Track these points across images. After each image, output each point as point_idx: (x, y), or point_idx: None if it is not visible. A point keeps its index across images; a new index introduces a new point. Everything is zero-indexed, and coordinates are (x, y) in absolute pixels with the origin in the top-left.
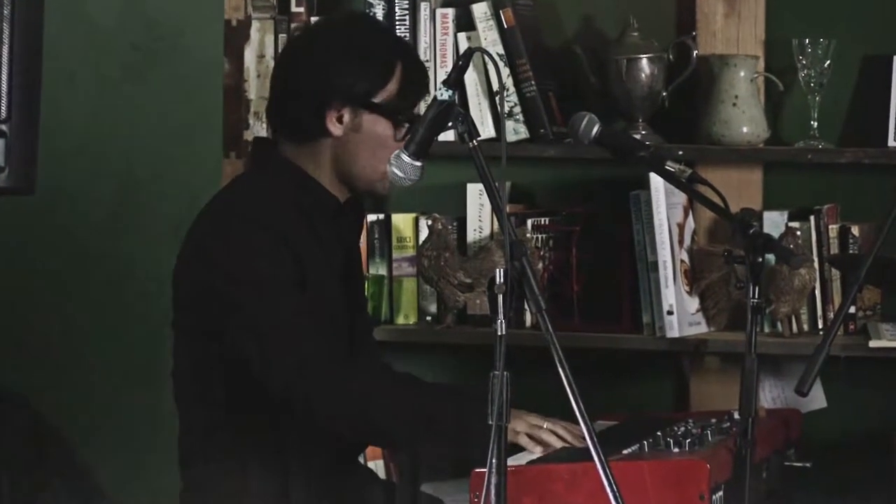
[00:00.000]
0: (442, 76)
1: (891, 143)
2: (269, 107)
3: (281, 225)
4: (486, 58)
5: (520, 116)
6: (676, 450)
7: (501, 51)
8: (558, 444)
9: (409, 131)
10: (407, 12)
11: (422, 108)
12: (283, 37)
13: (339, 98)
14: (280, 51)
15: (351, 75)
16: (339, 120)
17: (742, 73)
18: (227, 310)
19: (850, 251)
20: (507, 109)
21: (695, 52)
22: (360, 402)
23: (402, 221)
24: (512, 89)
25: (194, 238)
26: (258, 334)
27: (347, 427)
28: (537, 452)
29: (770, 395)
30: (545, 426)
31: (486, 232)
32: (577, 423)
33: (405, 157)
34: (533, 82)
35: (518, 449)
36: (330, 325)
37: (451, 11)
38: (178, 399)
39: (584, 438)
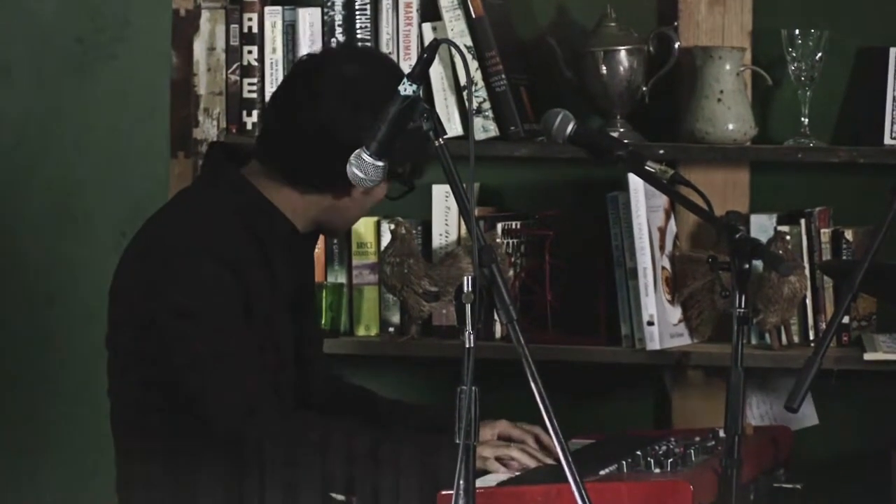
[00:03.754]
0: (406, 69)
1: (887, 141)
2: (276, 140)
3: (228, 252)
4: (453, 50)
5: (489, 113)
6: (657, 470)
7: (469, 42)
8: (530, 462)
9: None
10: (368, 1)
11: None
12: (234, 27)
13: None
14: (297, 78)
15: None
16: None
17: (727, 67)
18: (169, 343)
19: (844, 257)
20: (475, 105)
21: (677, 44)
22: (314, 453)
23: (362, 226)
24: (481, 84)
25: (135, 258)
26: (203, 375)
27: (303, 475)
28: (508, 473)
29: (758, 411)
30: (512, 445)
31: (453, 237)
32: (551, 441)
33: (366, 157)
34: (503, 76)
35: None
36: (276, 359)
37: (415, 0)
38: (115, 421)
39: (555, 455)
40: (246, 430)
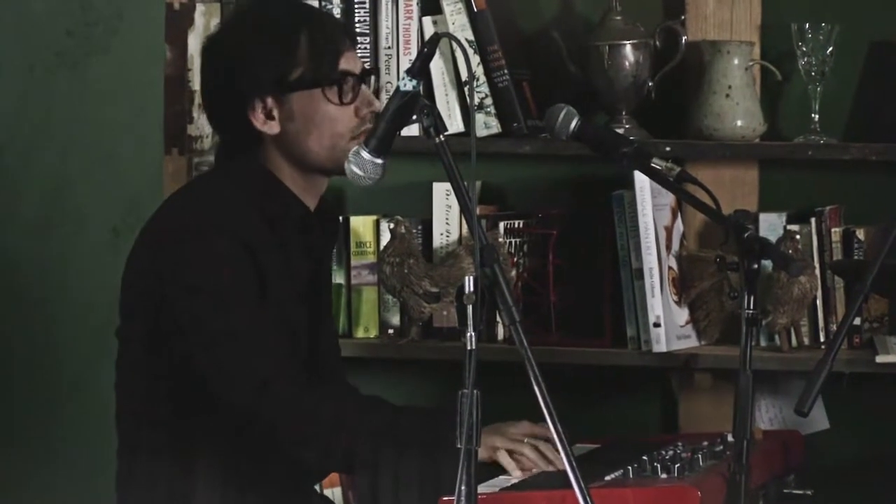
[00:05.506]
0: (405, 64)
1: None
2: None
3: (242, 232)
4: (454, 44)
5: (491, 109)
6: (664, 475)
7: (471, 36)
8: (540, 462)
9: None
10: None
11: (349, 62)
12: None
13: (256, 93)
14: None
15: (256, 66)
16: (269, 115)
17: (736, 61)
18: (183, 323)
19: (855, 257)
20: (477, 101)
21: (684, 38)
22: (329, 429)
23: (361, 224)
24: (483, 79)
25: (148, 242)
26: (217, 351)
27: (315, 454)
28: (517, 475)
29: (767, 415)
30: (526, 440)
31: (455, 236)
32: (555, 446)
33: (365, 154)
34: (506, 71)
35: (495, 472)
36: (289, 343)
37: None
38: (120, 414)
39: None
40: (258, 407)
